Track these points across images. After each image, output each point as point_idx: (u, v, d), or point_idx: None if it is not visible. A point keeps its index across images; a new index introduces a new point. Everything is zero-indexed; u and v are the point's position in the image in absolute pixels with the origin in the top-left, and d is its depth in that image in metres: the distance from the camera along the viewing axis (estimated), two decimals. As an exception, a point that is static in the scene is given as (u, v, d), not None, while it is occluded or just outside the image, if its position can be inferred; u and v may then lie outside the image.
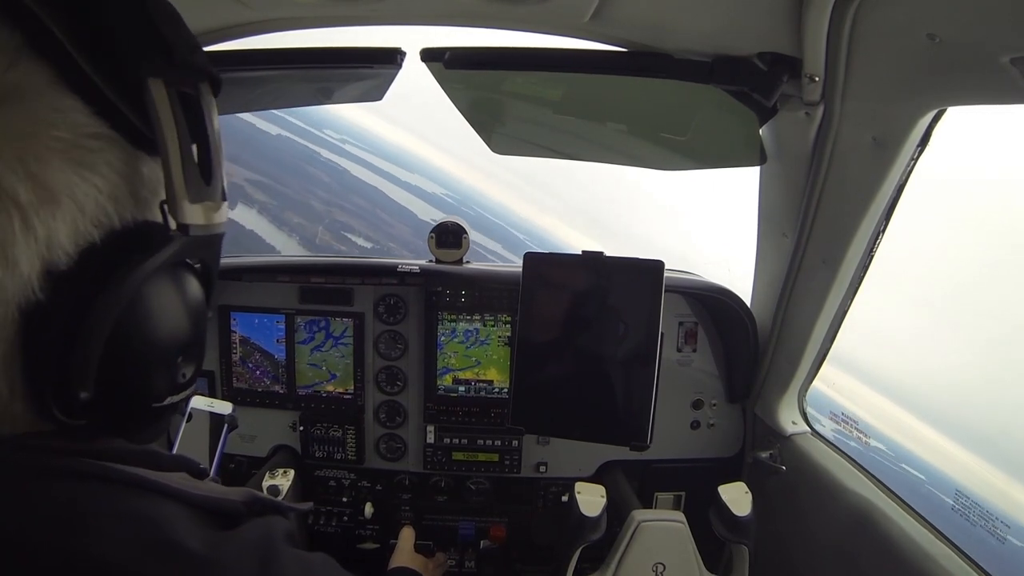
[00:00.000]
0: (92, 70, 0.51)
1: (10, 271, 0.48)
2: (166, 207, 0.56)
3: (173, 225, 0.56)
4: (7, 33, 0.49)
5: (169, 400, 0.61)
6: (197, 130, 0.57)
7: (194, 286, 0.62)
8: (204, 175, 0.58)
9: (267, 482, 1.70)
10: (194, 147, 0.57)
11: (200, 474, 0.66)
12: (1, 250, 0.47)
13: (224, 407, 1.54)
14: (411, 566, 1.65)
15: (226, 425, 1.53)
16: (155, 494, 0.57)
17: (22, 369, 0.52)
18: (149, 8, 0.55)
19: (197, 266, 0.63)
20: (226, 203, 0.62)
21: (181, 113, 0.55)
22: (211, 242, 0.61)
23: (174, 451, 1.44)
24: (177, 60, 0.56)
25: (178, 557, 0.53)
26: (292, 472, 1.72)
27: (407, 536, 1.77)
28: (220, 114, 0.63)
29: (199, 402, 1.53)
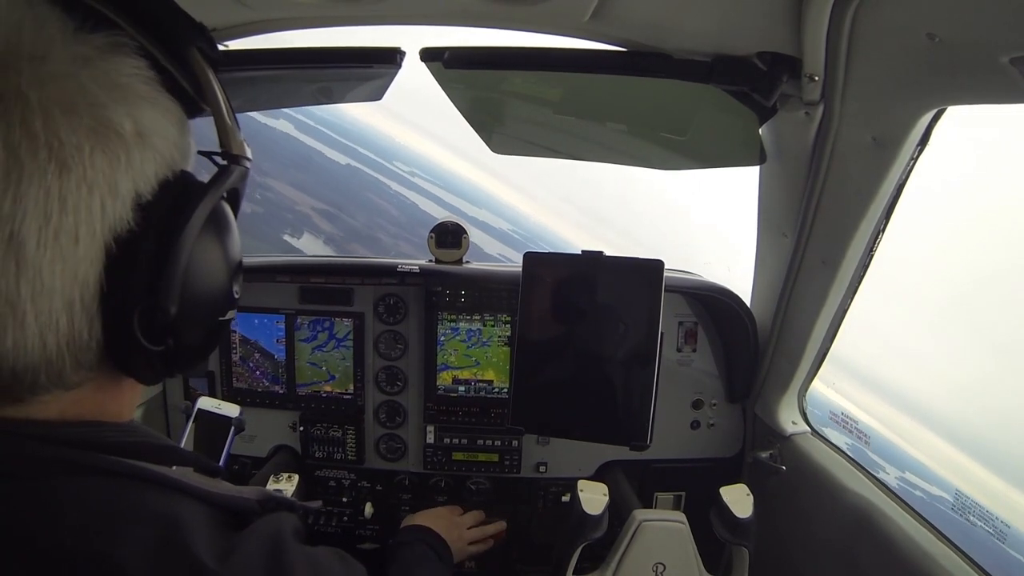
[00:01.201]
0: (145, 42, 0.61)
1: (113, 197, 0.55)
2: (221, 142, 0.69)
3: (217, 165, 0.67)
4: (67, 17, 0.56)
5: (228, 315, 0.69)
6: (222, 90, 0.69)
7: (231, 213, 0.71)
8: (235, 122, 0.71)
9: (271, 486, 1.69)
10: None
11: (214, 472, 0.70)
12: (109, 179, 0.54)
13: (232, 409, 1.53)
14: (426, 524, 1.62)
15: (233, 428, 1.52)
16: (176, 492, 0.61)
17: (107, 301, 0.56)
18: None
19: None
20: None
21: (215, 75, 0.68)
22: (246, 174, 0.71)
23: None
24: (205, 34, 0.67)
25: (192, 570, 0.56)
26: (296, 477, 1.71)
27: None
28: None
29: (206, 403, 1.53)
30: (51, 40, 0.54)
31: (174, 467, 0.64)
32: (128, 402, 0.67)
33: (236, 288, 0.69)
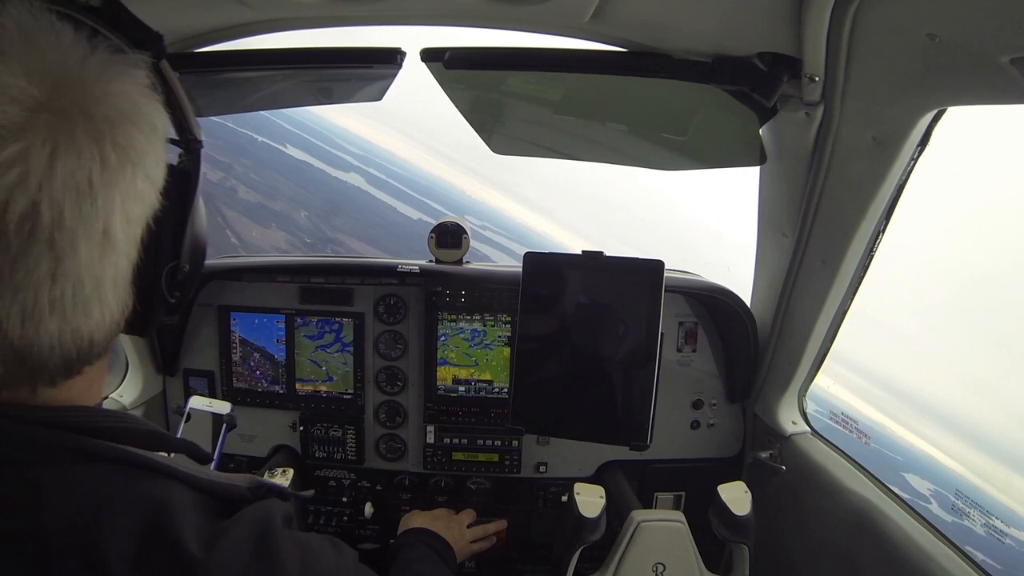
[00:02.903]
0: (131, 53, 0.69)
1: (151, 186, 0.64)
2: (191, 130, 0.81)
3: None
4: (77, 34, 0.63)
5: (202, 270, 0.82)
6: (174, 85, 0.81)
7: None
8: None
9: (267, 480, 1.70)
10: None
11: (203, 459, 0.73)
12: (147, 171, 0.63)
13: (223, 407, 1.53)
14: (424, 525, 1.63)
15: (225, 425, 1.52)
16: (165, 477, 0.63)
17: (139, 272, 0.65)
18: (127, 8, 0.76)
19: None
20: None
21: (173, 73, 0.80)
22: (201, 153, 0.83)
23: None
24: (166, 45, 0.79)
25: (175, 558, 0.58)
26: (291, 471, 1.72)
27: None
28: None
29: (198, 402, 1.53)
30: (102, 63, 0.61)
31: (171, 455, 0.66)
32: (102, 385, 0.73)
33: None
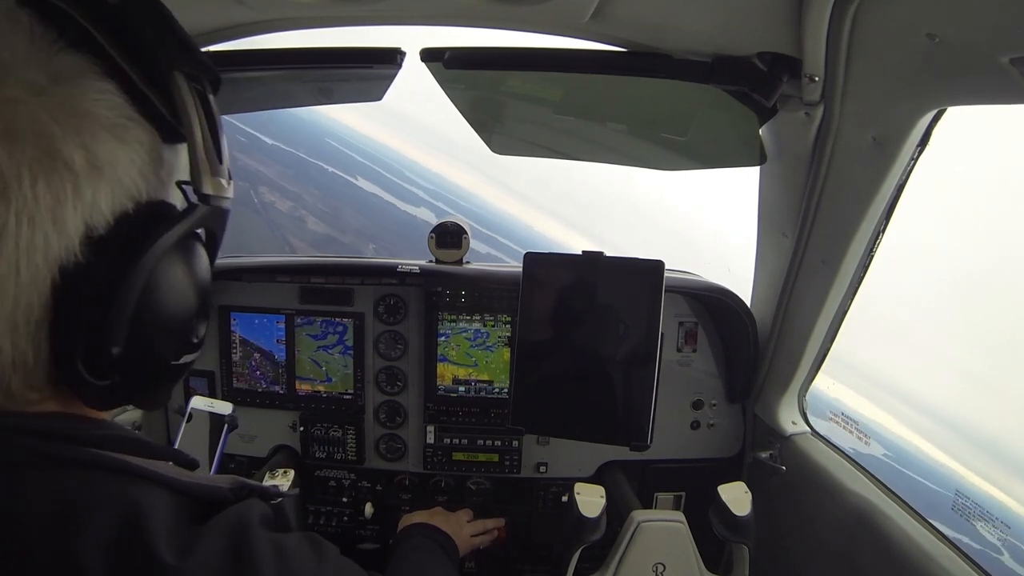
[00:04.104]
0: (122, 61, 0.58)
1: (58, 231, 0.53)
2: (192, 178, 0.63)
3: (193, 199, 0.63)
4: (42, 29, 0.55)
5: (185, 359, 0.67)
6: (208, 119, 0.63)
7: (204, 254, 0.68)
8: (218, 156, 0.64)
9: (267, 482, 1.70)
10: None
11: (190, 465, 0.68)
12: (53, 211, 0.52)
13: (224, 407, 1.54)
14: (424, 521, 1.63)
15: (226, 425, 1.53)
16: (142, 480, 0.60)
17: (52, 330, 0.56)
18: (163, 9, 0.61)
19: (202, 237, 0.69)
20: (232, 182, 0.68)
21: (199, 101, 0.62)
22: (222, 214, 0.67)
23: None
24: (194, 56, 0.63)
25: (148, 566, 0.55)
26: (292, 472, 1.72)
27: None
28: (221, 115, 0.67)
29: (199, 402, 1.53)
30: (8, 64, 0.52)
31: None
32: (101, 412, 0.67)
33: (199, 332, 0.67)
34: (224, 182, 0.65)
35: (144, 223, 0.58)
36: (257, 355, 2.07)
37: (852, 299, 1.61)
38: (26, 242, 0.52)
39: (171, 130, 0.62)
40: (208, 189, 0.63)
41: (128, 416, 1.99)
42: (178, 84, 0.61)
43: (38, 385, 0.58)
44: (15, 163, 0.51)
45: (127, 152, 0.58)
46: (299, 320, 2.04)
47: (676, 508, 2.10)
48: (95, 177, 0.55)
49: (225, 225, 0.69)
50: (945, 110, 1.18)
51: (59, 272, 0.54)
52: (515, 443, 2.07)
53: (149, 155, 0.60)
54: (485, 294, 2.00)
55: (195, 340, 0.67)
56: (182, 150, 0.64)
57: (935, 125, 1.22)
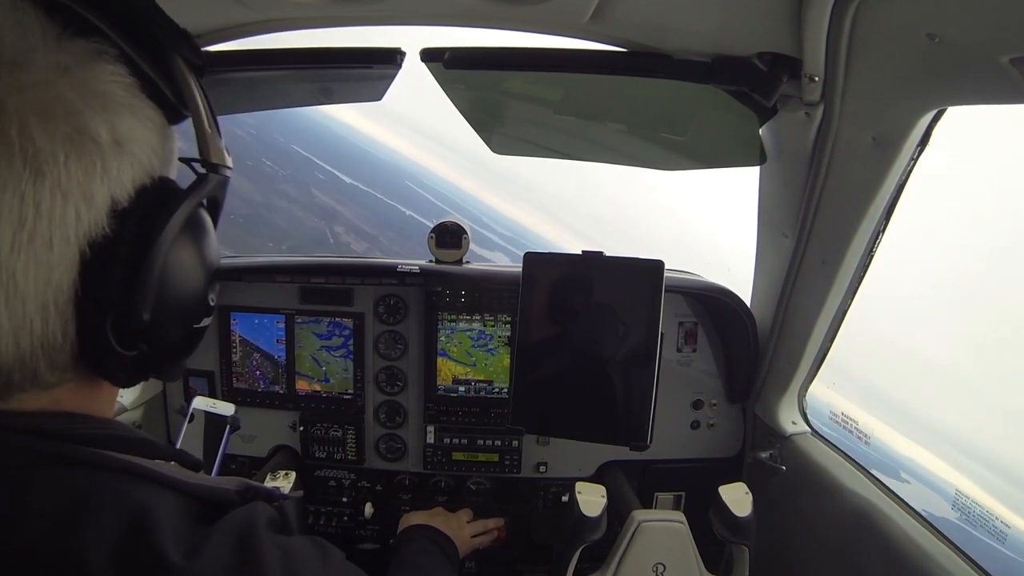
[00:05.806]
0: (127, 47, 0.62)
1: (88, 205, 0.55)
2: (200, 150, 0.68)
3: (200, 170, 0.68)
4: (48, 19, 0.57)
5: (204, 322, 0.70)
6: (205, 98, 0.69)
7: (210, 221, 0.72)
8: (217, 131, 0.70)
9: (268, 484, 1.70)
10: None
11: (194, 466, 0.69)
12: (83, 186, 0.55)
13: (226, 408, 1.54)
14: (423, 522, 1.64)
15: (228, 426, 1.53)
16: (148, 482, 0.60)
17: (82, 305, 0.57)
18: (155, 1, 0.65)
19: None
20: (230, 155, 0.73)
21: (198, 82, 0.68)
22: (225, 183, 0.72)
23: None
24: (189, 41, 0.67)
25: (155, 566, 0.56)
26: (293, 474, 1.72)
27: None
28: (220, 115, 0.71)
29: (201, 403, 1.53)
30: (32, 48, 0.54)
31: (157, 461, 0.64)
32: (108, 401, 0.68)
33: (212, 296, 0.70)
34: (226, 153, 0.71)
35: (160, 195, 0.62)
36: (257, 355, 2.07)
37: (852, 299, 1.61)
38: (59, 217, 0.53)
39: (172, 110, 0.66)
40: (215, 159, 0.69)
41: (128, 416, 1.99)
42: (179, 66, 0.66)
43: (61, 365, 0.59)
44: (51, 140, 0.53)
45: (143, 130, 0.61)
46: (305, 319, 2.04)
47: (676, 508, 2.11)
48: (118, 152, 0.57)
49: (226, 193, 0.74)
50: (945, 110, 1.18)
51: (88, 246, 0.56)
52: (515, 443, 2.07)
53: (159, 134, 0.63)
54: (485, 294, 2.00)
55: (211, 303, 0.71)
56: (175, 131, 0.68)
57: (935, 125, 1.22)
